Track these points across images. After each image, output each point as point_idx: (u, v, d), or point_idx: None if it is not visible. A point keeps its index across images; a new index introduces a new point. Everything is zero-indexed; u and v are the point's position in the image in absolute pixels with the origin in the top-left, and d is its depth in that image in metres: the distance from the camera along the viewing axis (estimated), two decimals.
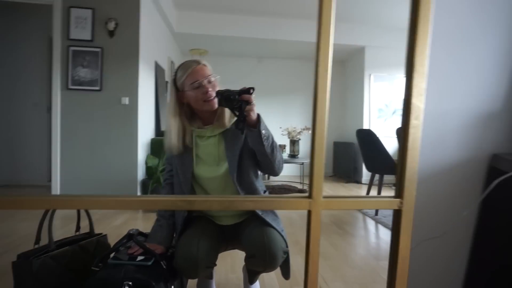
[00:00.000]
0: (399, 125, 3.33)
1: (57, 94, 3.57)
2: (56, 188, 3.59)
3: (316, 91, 0.58)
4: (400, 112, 5.97)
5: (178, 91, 1.36)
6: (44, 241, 1.33)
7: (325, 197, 0.62)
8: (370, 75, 5.92)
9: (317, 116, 0.60)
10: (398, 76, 5.93)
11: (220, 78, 1.42)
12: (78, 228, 1.54)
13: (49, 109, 4.78)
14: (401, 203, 0.64)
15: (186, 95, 1.34)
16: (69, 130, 3.59)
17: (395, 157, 3.42)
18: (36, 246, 1.31)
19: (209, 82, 1.33)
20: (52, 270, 1.25)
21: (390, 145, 5.66)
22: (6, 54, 4.77)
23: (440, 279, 0.90)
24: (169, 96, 1.41)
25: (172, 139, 1.35)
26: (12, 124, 4.82)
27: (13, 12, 4.74)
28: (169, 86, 1.40)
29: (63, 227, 2.74)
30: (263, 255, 1.22)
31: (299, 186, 5.30)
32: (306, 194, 0.64)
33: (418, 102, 0.62)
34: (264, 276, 1.84)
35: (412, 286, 0.86)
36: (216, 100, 1.26)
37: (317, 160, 0.61)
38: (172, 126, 1.36)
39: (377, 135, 3.45)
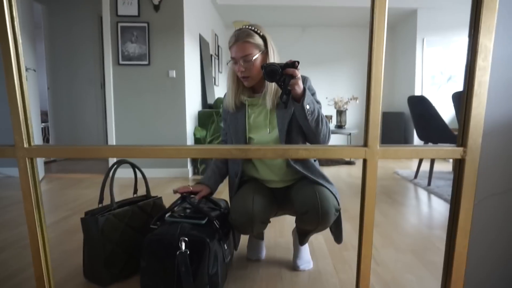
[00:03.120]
0: (454, 92, 3.12)
1: (109, 70, 3.74)
2: (113, 158, 3.84)
3: (372, 39, 0.56)
4: (456, 78, 5.58)
5: None
6: (106, 201, 1.43)
7: (381, 145, 0.61)
8: (423, 39, 5.55)
9: (373, 59, 0.57)
10: (455, 40, 5.49)
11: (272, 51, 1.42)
12: (135, 190, 1.64)
13: (102, 85, 5.05)
14: (465, 152, 0.61)
15: None
16: (122, 104, 3.77)
17: (451, 126, 3.22)
18: (100, 205, 1.42)
19: (246, 61, 1.33)
20: (115, 226, 1.35)
21: (446, 114, 5.34)
22: (61, 36, 5.05)
23: (505, 238, 0.85)
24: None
25: (229, 98, 1.44)
26: (72, 101, 5.17)
27: None
28: None
29: (121, 193, 2.94)
30: (316, 211, 1.23)
31: (346, 158, 5.20)
32: (361, 144, 0.62)
33: (487, 41, 0.57)
34: (312, 240, 1.87)
35: (473, 243, 0.83)
36: (250, 79, 1.37)
37: (373, 106, 0.59)
38: (229, 86, 1.44)
39: (431, 102, 3.26)
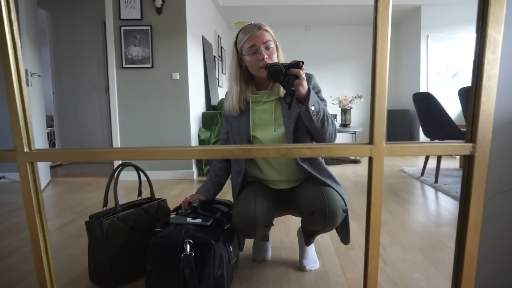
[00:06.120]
0: (461, 87, 3.08)
1: (113, 73, 3.75)
2: (118, 161, 3.84)
3: (376, 31, 0.54)
4: (462, 74, 5.52)
5: (238, 54, 1.38)
6: (111, 204, 1.43)
7: (387, 142, 0.59)
8: (427, 36, 5.50)
9: (377, 54, 0.56)
10: (460, 36, 5.43)
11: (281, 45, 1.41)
12: (140, 193, 1.63)
13: (107, 89, 5.07)
14: (474, 148, 0.59)
15: (244, 59, 1.35)
16: (126, 107, 3.78)
17: (457, 122, 3.19)
18: (105, 208, 1.42)
19: (267, 48, 1.32)
20: (119, 229, 1.35)
21: (452, 110, 5.29)
22: (66, 42, 5.08)
23: None
24: (230, 58, 1.43)
25: (233, 101, 1.40)
26: (77, 105, 5.20)
27: (69, 1, 5.01)
28: (231, 48, 1.41)
29: (126, 196, 2.94)
30: (323, 212, 1.22)
31: (352, 156, 5.17)
32: (367, 142, 0.61)
33: (495, 33, 0.55)
34: (319, 240, 1.85)
35: (484, 242, 0.81)
36: None
37: (378, 103, 0.57)
38: (233, 88, 1.40)
39: (436, 98, 3.23)
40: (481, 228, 0.64)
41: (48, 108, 6.07)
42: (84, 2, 5.00)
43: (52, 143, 5.81)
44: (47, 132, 4.78)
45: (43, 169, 3.61)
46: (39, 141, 3.50)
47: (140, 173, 1.56)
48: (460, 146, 0.60)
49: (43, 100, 3.75)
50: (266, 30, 1.33)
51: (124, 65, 3.74)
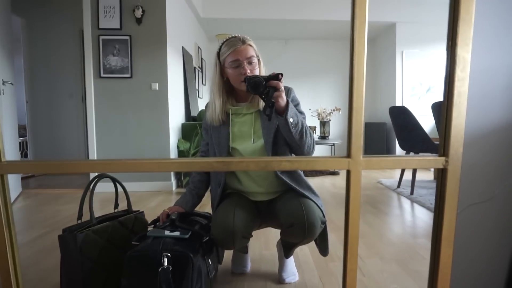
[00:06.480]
0: (434, 102, 3.19)
1: (91, 83, 3.68)
2: (94, 173, 3.74)
3: (353, 43, 0.56)
4: (434, 89, 5.72)
5: (221, 65, 1.38)
6: (86, 217, 1.39)
7: (365, 156, 0.60)
8: (402, 52, 5.70)
9: (354, 70, 0.57)
10: (433, 52, 5.66)
11: (264, 59, 1.42)
12: (116, 205, 1.59)
13: (84, 99, 4.97)
14: (447, 161, 0.61)
15: (226, 71, 1.36)
16: (103, 117, 3.71)
17: (431, 135, 3.29)
18: (79, 221, 1.37)
19: (250, 63, 1.33)
20: (94, 243, 1.31)
21: (426, 124, 5.46)
22: (41, 49, 4.97)
23: (489, 247, 0.86)
24: (212, 69, 1.43)
25: (216, 111, 1.39)
26: (52, 115, 5.06)
27: (45, 9, 4.91)
28: (214, 59, 1.42)
29: (102, 208, 2.86)
30: (302, 224, 1.22)
31: (330, 169, 5.23)
32: (345, 155, 0.62)
33: (464, 53, 0.58)
34: (298, 252, 1.85)
35: (458, 253, 0.83)
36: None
37: (355, 117, 0.59)
38: (216, 99, 1.39)
39: (412, 112, 3.33)
40: (455, 239, 0.66)
41: (21, 118, 5.89)
42: (61, 10, 4.93)
43: (24, 153, 5.61)
44: (19, 142, 4.62)
45: (14, 180, 3.47)
46: (10, 152, 3.38)
47: (117, 184, 1.53)
48: (434, 160, 0.61)
49: (16, 109, 3.64)
50: (250, 45, 1.34)
51: (102, 75, 3.68)
